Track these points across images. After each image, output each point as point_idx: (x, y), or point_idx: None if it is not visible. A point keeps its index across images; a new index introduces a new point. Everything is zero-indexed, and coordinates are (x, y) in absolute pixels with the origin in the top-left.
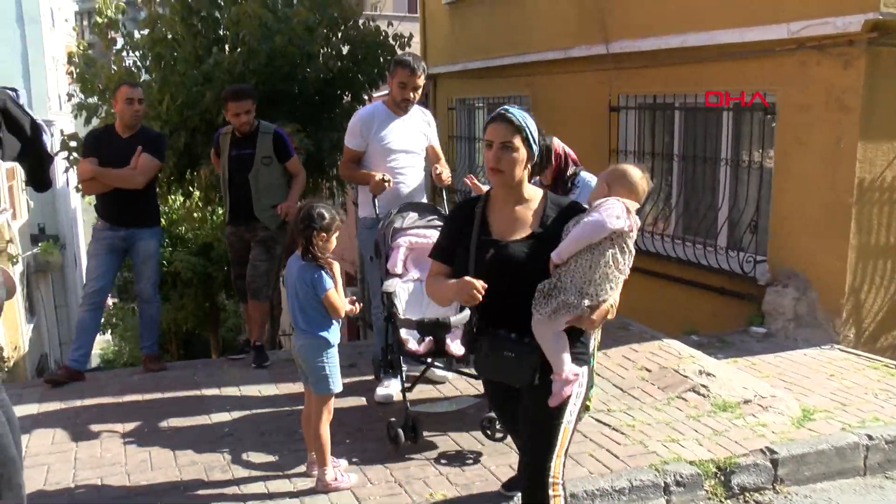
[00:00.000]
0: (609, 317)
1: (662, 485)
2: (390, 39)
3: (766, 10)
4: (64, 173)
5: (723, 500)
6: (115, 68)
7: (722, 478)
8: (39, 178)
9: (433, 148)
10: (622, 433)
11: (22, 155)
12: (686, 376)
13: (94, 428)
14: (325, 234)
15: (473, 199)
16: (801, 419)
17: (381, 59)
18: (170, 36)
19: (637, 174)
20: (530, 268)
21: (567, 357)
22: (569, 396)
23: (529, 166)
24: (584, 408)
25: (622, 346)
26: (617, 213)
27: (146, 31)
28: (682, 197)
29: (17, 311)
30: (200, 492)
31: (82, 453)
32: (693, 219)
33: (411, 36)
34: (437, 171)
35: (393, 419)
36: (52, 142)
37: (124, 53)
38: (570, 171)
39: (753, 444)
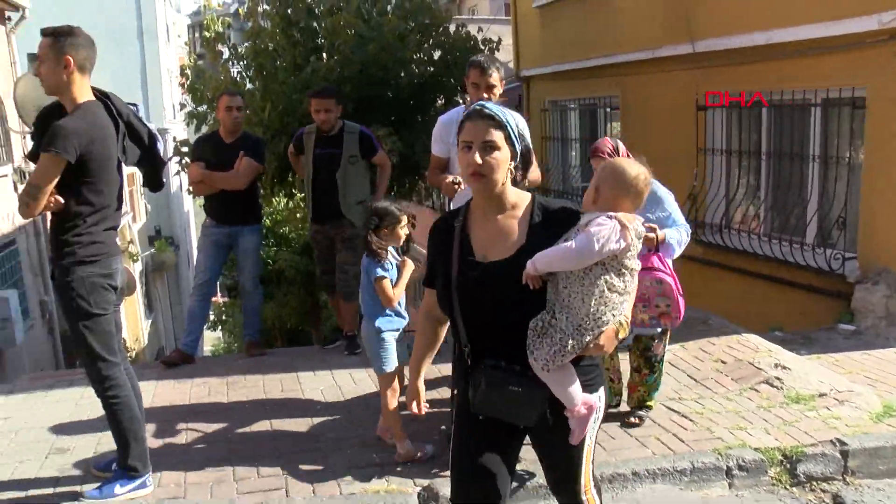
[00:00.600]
0: (620, 335)
1: (725, 468)
2: (480, 44)
3: (855, 1)
4: (175, 175)
5: (787, 487)
6: (222, 78)
7: (787, 465)
8: (154, 180)
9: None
10: (690, 420)
11: (140, 160)
12: (761, 369)
13: (203, 402)
14: (385, 230)
15: (452, 213)
16: (881, 415)
17: None
18: (271, 47)
19: (630, 173)
20: (518, 291)
21: (577, 390)
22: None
23: (512, 168)
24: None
25: (700, 339)
26: (606, 237)
27: (249, 43)
28: (770, 194)
29: (138, 307)
30: (293, 458)
31: (192, 423)
32: (781, 216)
33: (500, 40)
34: None
35: (443, 427)
36: (164, 149)
37: (230, 64)
38: None
39: (824, 436)
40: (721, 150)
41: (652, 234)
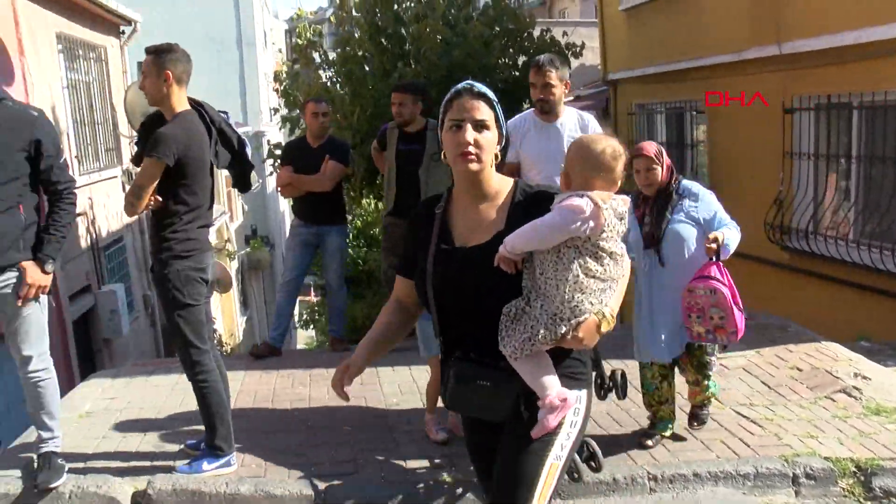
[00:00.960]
0: (604, 329)
1: (791, 475)
2: (564, 48)
3: None
4: (270, 176)
5: (861, 500)
6: (313, 84)
7: (861, 478)
8: (243, 182)
9: None
10: (759, 425)
11: (231, 164)
12: (838, 377)
13: (286, 392)
14: None
15: (433, 200)
16: None
17: None
18: (360, 53)
19: (595, 148)
20: (495, 278)
21: (551, 379)
22: (558, 426)
23: (498, 152)
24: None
25: (777, 346)
26: (572, 218)
27: (339, 50)
28: (861, 199)
29: (233, 304)
30: (367, 446)
31: (276, 410)
32: (872, 221)
33: (583, 44)
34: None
35: None
36: (251, 153)
37: (321, 70)
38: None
39: None
40: (809, 153)
41: (714, 245)
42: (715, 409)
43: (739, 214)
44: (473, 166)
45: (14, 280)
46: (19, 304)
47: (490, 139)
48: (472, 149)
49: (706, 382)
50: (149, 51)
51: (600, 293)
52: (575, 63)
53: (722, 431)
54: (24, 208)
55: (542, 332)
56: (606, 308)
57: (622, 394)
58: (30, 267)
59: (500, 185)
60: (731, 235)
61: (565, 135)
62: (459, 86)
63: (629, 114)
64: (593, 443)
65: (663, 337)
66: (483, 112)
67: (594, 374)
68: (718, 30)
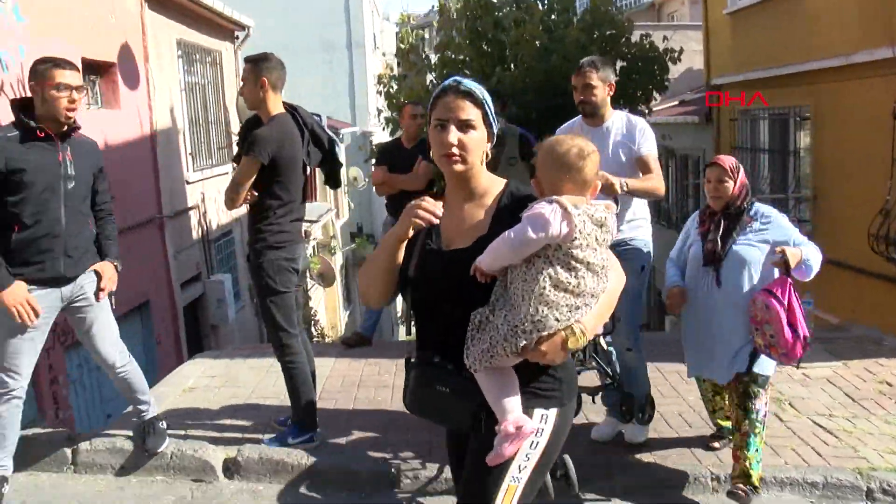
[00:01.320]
0: (571, 346)
1: (864, 489)
2: (662, 54)
3: None
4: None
5: None
6: (414, 88)
7: None
8: (333, 179)
9: (641, 158)
10: (835, 436)
11: (322, 162)
12: None
13: (373, 379)
14: None
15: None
16: None
17: (656, 73)
18: (460, 57)
19: (559, 149)
20: (472, 284)
21: (512, 402)
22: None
23: (488, 151)
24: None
25: (867, 360)
26: (539, 226)
27: (438, 55)
28: None
29: (337, 298)
30: (442, 431)
31: (360, 394)
32: None
33: (681, 50)
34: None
35: None
36: (342, 152)
37: (425, 74)
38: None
39: None
40: None
41: (777, 257)
42: (791, 417)
43: (843, 224)
44: (458, 167)
45: (90, 282)
46: (100, 298)
47: (476, 139)
48: (455, 150)
49: (747, 428)
50: (247, 60)
51: (571, 309)
52: (680, 69)
53: (794, 439)
54: (91, 222)
55: (501, 344)
56: (577, 325)
57: (647, 418)
58: (105, 266)
59: (490, 186)
60: (811, 254)
61: (612, 138)
62: (446, 83)
63: (732, 119)
64: (569, 461)
65: (714, 358)
66: (468, 111)
67: (620, 399)
68: (826, 33)
